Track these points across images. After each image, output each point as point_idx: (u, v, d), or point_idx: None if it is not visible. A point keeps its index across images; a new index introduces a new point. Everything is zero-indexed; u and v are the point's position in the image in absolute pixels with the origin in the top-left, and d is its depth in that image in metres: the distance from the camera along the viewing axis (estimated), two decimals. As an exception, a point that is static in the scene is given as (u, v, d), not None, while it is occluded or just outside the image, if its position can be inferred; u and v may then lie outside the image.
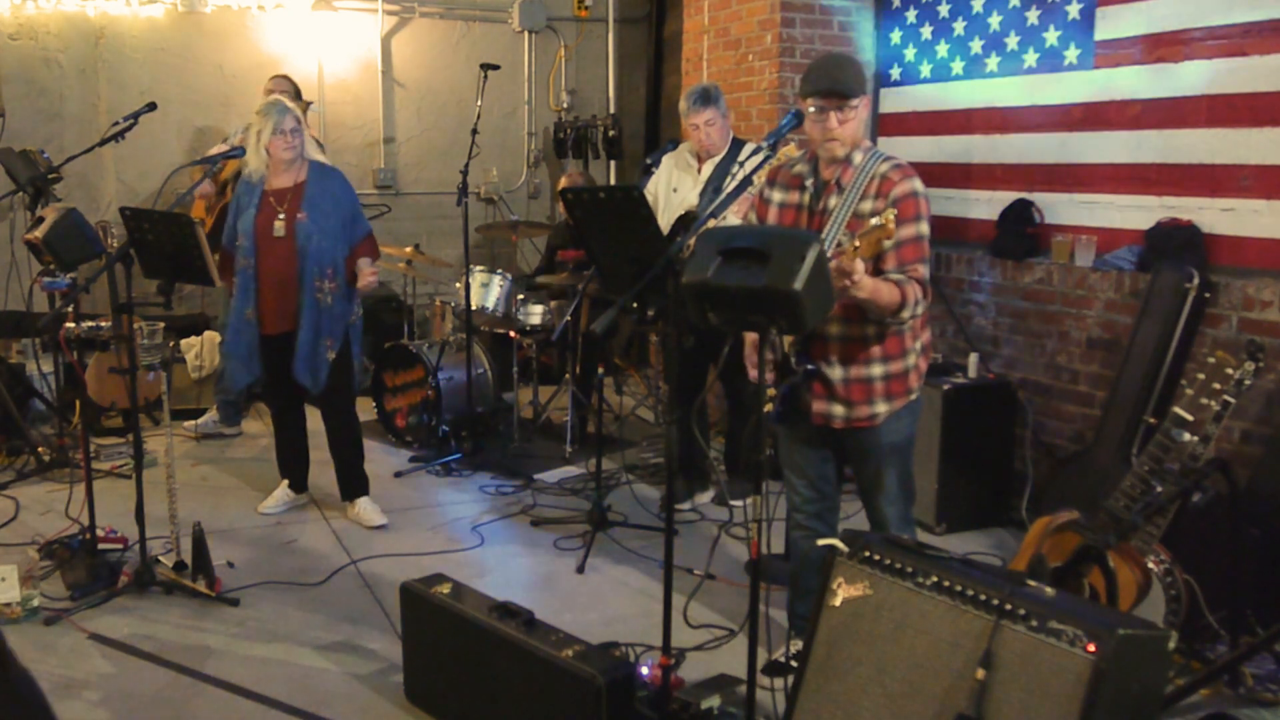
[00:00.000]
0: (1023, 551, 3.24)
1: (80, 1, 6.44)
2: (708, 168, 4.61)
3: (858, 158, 2.96)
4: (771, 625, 3.32)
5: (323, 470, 5.05)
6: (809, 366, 2.98)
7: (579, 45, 7.90)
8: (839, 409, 3.03)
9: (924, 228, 2.91)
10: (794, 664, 3.21)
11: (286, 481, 4.75)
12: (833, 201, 2.96)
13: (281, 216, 4.33)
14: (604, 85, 7.98)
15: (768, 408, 3.07)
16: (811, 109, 2.92)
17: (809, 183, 3.03)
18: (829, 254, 2.84)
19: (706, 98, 4.55)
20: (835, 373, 3.00)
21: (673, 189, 4.72)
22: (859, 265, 2.64)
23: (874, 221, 2.62)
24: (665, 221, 4.62)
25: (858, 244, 2.64)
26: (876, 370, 2.99)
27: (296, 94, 5.56)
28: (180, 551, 3.92)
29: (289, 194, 4.37)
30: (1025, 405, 4.67)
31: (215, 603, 3.73)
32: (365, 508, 4.58)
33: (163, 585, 3.80)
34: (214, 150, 5.59)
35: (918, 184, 2.92)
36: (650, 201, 4.73)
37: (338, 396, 4.52)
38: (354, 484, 4.64)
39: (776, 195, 3.13)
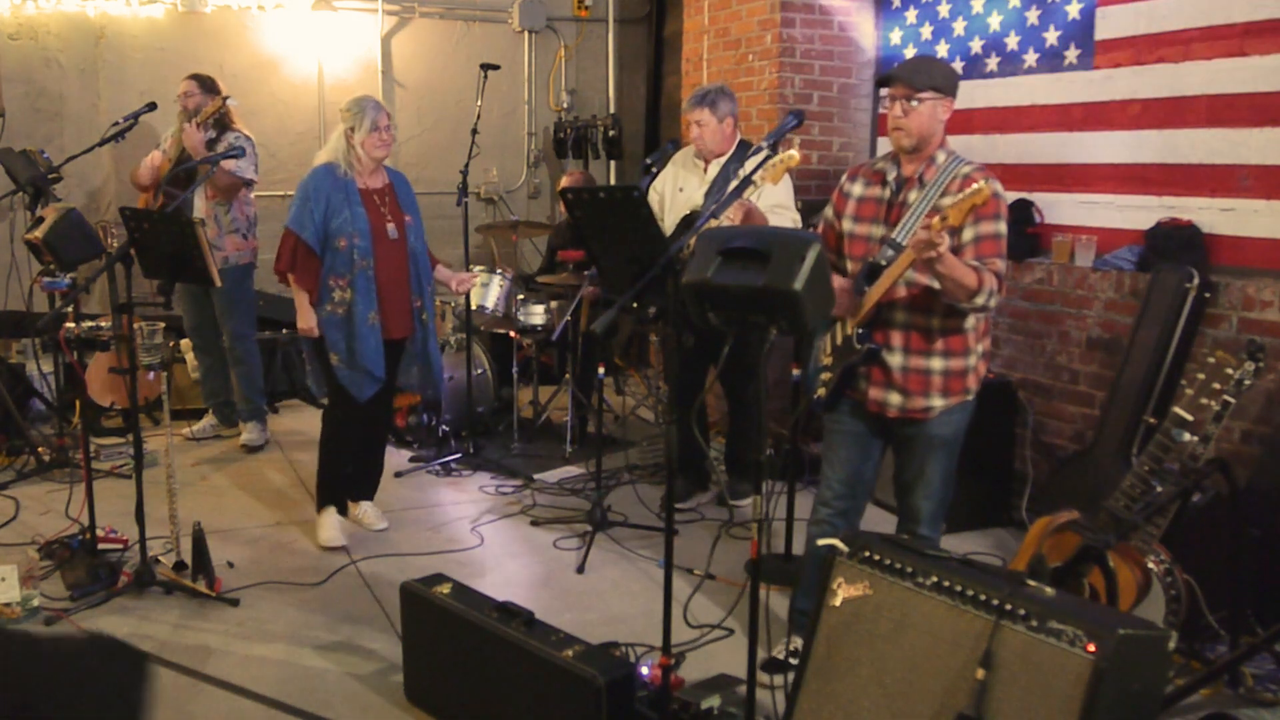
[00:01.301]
0: (1023, 551, 3.24)
1: (80, 1, 6.44)
2: (714, 167, 4.62)
3: (941, 158, 3.06)
4: (771, 623, 3.32)
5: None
6: (871, 346, 3.04)
7: (579, 45, 7.90)
8: (896, 397, 3.09)
9: (1002, 227, 2.99)
10: (792, 661, 3.22)
11: (335, 507, 4.39)
12: (913, 196, 3.05)
13: (389, 218, 4.21)
14: (604, 85, 7.99)
15: (820, 392, 3.13)
16: (885, 98, 3.07)
17: (891, 178, 3.11)
18: (904, 244, 2.92)
19: (701, 99, 4.58)
20: (896, 360, 3.07)
21: (679, 188, 4.73)
22: (945, 238, 2.73)
23: (968, 190, 2.72)
24: (671, 221, 4.63)
25: (948, 215, 2.72)
26: (937, 364, 3.06)
27: (210, 89, 5.49)
28: (180, 551, 3.93)
29: (385, 195, 4.26)
30: (1025, 405, 4.67)
31: (215, 603, 3.73)
32: (369, 511, 4.52)
33: (163, 585, 3.79)
34: (147, 160, 5.53)
35: (998, 186, 3.00)
36: (656, 201, 4.75)
37: (391, 400, 4.50)
38: (370, 486, 4.57)
39: (856, 189, 3.21)
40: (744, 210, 3.98)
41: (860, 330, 3.06)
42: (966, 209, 2.74)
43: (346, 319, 4.14)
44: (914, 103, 2.99)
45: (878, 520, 4.51)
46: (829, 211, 3.30)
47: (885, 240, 3.03)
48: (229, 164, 5.23)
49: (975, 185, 2.74)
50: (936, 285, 2.91)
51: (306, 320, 4.19)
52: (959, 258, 2.91)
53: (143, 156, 5.64)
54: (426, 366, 4.40)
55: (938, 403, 3.07)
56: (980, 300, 2.89)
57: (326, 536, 4.30)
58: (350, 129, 4.13)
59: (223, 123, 5.42)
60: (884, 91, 3.08)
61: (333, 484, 4.40)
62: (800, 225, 4.56)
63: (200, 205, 5.38)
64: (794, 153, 3.20)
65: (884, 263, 2.98)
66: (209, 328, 5.68)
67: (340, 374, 4.18)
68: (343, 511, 4.46)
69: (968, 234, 2.93)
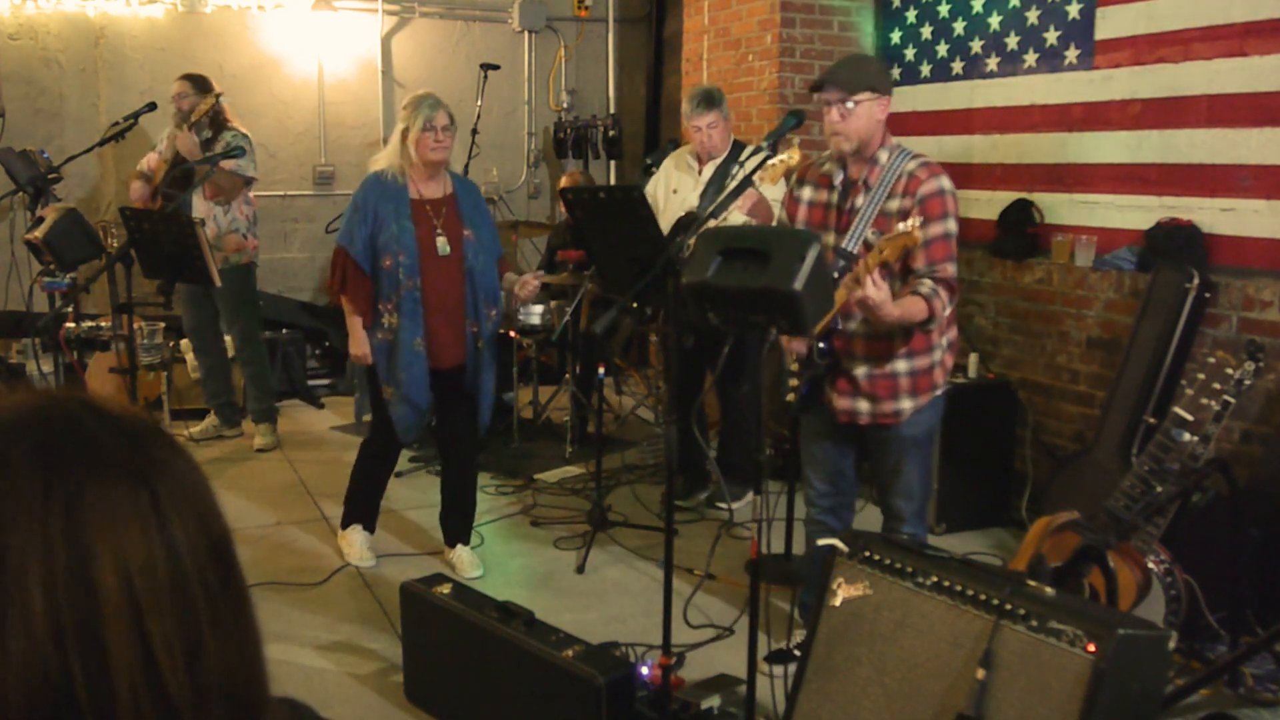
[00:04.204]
0: (1023, 551, 3.24)
1: (80, 1, 6.44)
2: (708, 169, 4.61)
3: (884, 156, 3.00)
4: (772, 619, 3.33)
5: (325, 469, 5.06)
6: (826, 358, 3.04)
7: (579, 45, 7.90)
8: (864, 405, 3.07)
9: (952, 225, 2.94)
10: (798, 653, 3.24)
11: (361, 525, 4.18)
12: (860, 200, 3.00)
13: (440, 232, 3.81)
14: (604, 85, 7.98)
15: (790, 398, 3.13)
16: (822, 103, 3.00)
17: (837, 181, 3.07)
18: (855, 251, 2.89)
19: (710, 100, 4.57)
20: (860, 369, 3.04)
21: (672, 190, 4.73)
22: (880, 286, 2.69)
23: (900, 228, 2.68)
24: (665, 224, 4.62)
25: (883, 249, 2.69)
26: (902, 366, 3.03)
27: (203, 88, 5.39)
28: (180, 551, 3.91)
29: (443, 206, 3.86)
30: (1025, 405, 4.67)
31: (215, 603, 3.72)
32: (463, 556, 4.11)
33: (163, 585, 3.78)
34: (144, 162, 5.52)
35: (945, 181, 2.95)
36: (650, 204, 4.74)
37: (475, 434, 4.13)
38: (463, 528, 4.18)
39: (806, 193, 3.18)
40: (752, 200, 3.99)
41: (821, 344, 3.02)
42: (900, 246, 2.69)
43: (393, 345, 3.83)
44: (850, 105, 2.93)
45: (878, 520, 4.51)
46: (783, 215, 3.28)
47: (836, 250, 3.01)
48: (229, 163, 5.22)
49: (903, 227, 2.68)
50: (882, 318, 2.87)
51: (359, 346, 3.87)
52: (911, 261, 2.89)
53: (142, 157, 5.64)
54: (486, 399, 4.01)
55: (907, 405, 3.05)
56: (931, 325, 2.90)
57: (356, 556, 4.11)
58: (405, 129, 3.79)
59: (219, 121, 5.38)
60: (817, 96, 3.01)
61: (359, 507, 4.19)
62: None
63: (199, 206, 5.37)
64: (795, 152, 3.18)
65: (836, 274, 2.95)
66: (209, 329, 5.67)
67: (391, 409, 3.90)
68: (369, 529, 4.22)
69: (914, 247, 2.86)
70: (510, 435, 5.73)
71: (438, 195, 3.87)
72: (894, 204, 2.93)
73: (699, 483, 4.97)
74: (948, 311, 2.90)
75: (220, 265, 5.35)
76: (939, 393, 3.10)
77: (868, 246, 2.89)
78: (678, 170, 4.75)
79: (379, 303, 3.83)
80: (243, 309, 5.54)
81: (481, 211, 3.99)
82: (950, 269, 2.91)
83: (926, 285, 2.86)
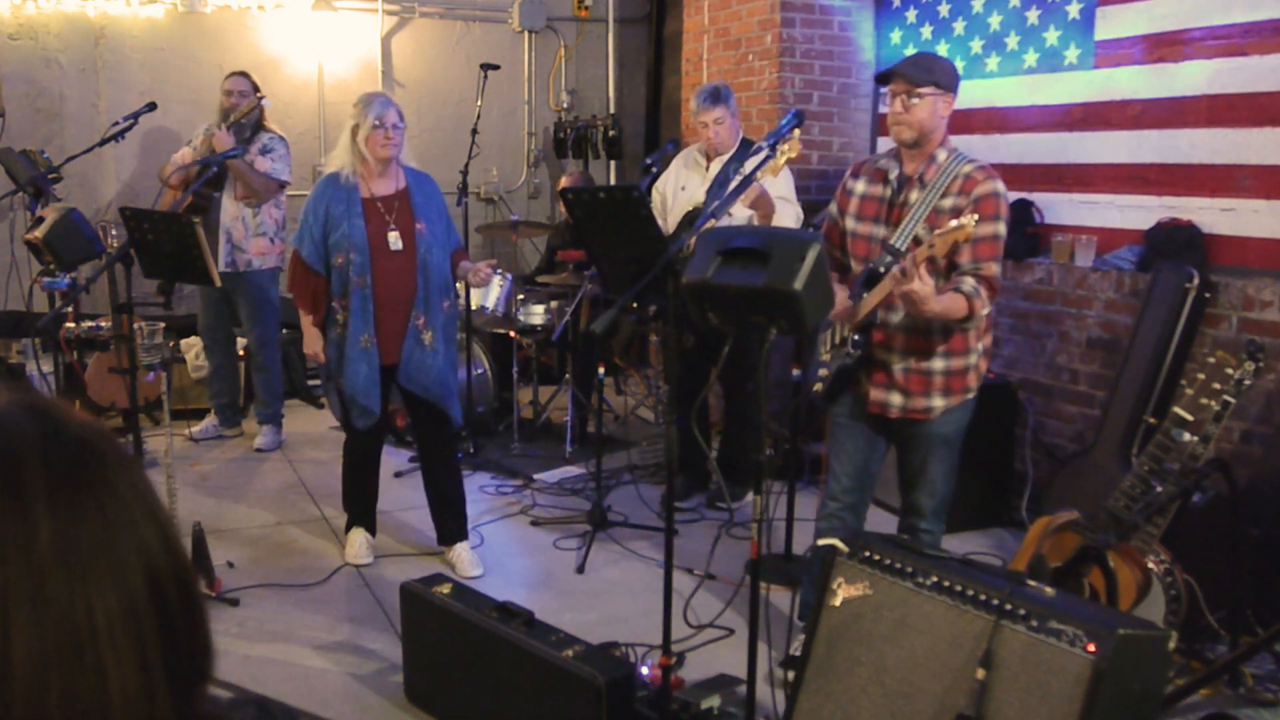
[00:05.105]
0: (1023, 551, 3.24)
1: (80, 1, 6.44)
2: (716, 165, 4.62)
3: (941, 156, 3.03)
4: (773, 622, 3.32)
5: (325, 469, 5.06)
6: (860, 350, 3.06)
7: (579, 45, 7.90)
8: (897, 398, 3.09)
9: (1001, 228, 2.97)
10: None
11: (361, 527, 4.21)
12: (914, 196, 3.03)
13: (393, 228, 3.85)
14: (604, 85, 7.98)
15: (817, 387, 3.15)
16: (885, 95, 3.07)
17: (892, 176, 3.10)
18: (904, 248, 2.91)
19: (716, 96, 4.58)
20: (896, 361, 3.06)
21: (681, 187, 4.74)
22: (926, 279, 2.70)
23: (954, 223, 2.70)
24: (673, 221, 4.64)
25: (934, 244, 2.71)
26: (938, 364, 3.06)
27: (255, 88, 5.43)
28: (180, 551, 3.91)
29: (395, 201, 3.90)
30: (1025, 405, 4.67)
31: (215, 603, 3.72)
32: (462, 555, 4.12)
33: (163, 585, 3.78)
34: (178, 156, 5.52)
35: (1000, 185, 2.99)
36: (659, 201, 4.76)
37: (446, 427, 4.11)
38: (455, 526, 4.17)
39: (859, 187, 3.20)
40: (755, 193, 3.98)
41: (856, 336, 3.05)
42: (950, 242, 2.71)
43: (342, 341, 3.87)
44: (914, 99, 2.97)
45: (878, 520, 4.51)
46: (833, 208, 3.30)
47: (884, 245, 3.03)
48: (263, 165, 5.23)
49: (956, 223, 2.70)
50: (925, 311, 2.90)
51: (311, 344, 3.97)
52: (956, 257, 2.91)
53: (147, 157, 5.64)
54: (449, 394, 3.98)
55: (938, 403, 3.07)
56: (969, 325, 2.91)
57: (351, 554, 4.16)
58: (355, 126, 3.88)
59: (258, 124, 5.40)
60: (884, 89, 3.09)
61: (355, 510, 4.22)
62: (802, 218, 4.57)
63: (229, 207, 5.37)
64: (795, 144, 3.17)
65: (882, 270, 2.96)
66: (222, 329, 5.70)
67: (345, 399, 3.95)
68: (371, 531, 4.24)
69: (965, 244, 2.90)
70: (510, 435, 5.73)
71: (389, 191, 3.92)
72: (948, 202, 2.96)
73: (699, 482, 4.97)
74: (986, 310, 2.92)
75: (244, 268, 5.38)
76: (970, 396, 3.13)
77: (917, 242, 2.90)
78: (686, 167, 4.76)
79: (334, 300, 3.89)
80: (264, 312, 5.56)
81: (435, 204, 4.02)
82: (994, 268, 2.94)
83: (968, 283, 2.88)
